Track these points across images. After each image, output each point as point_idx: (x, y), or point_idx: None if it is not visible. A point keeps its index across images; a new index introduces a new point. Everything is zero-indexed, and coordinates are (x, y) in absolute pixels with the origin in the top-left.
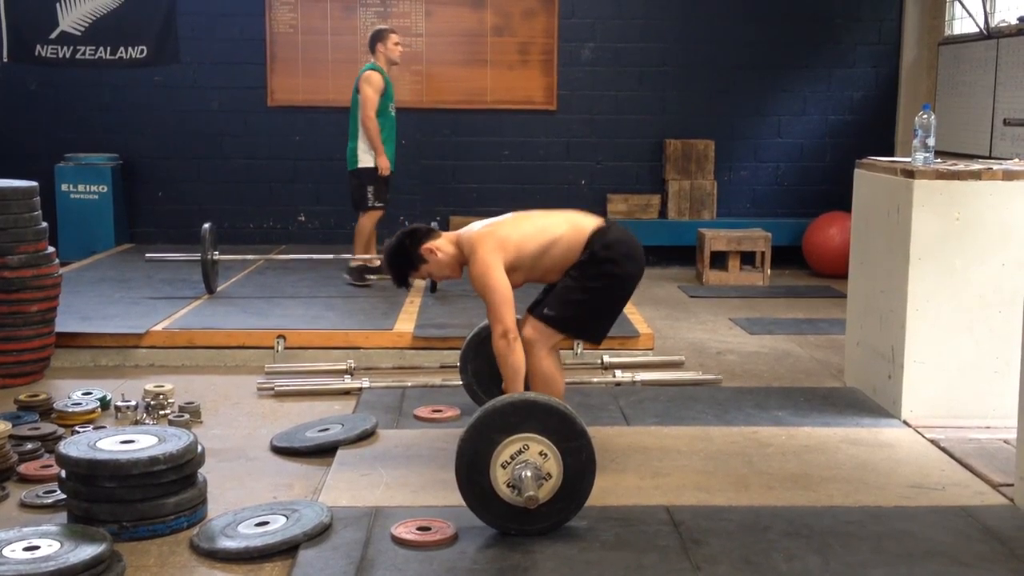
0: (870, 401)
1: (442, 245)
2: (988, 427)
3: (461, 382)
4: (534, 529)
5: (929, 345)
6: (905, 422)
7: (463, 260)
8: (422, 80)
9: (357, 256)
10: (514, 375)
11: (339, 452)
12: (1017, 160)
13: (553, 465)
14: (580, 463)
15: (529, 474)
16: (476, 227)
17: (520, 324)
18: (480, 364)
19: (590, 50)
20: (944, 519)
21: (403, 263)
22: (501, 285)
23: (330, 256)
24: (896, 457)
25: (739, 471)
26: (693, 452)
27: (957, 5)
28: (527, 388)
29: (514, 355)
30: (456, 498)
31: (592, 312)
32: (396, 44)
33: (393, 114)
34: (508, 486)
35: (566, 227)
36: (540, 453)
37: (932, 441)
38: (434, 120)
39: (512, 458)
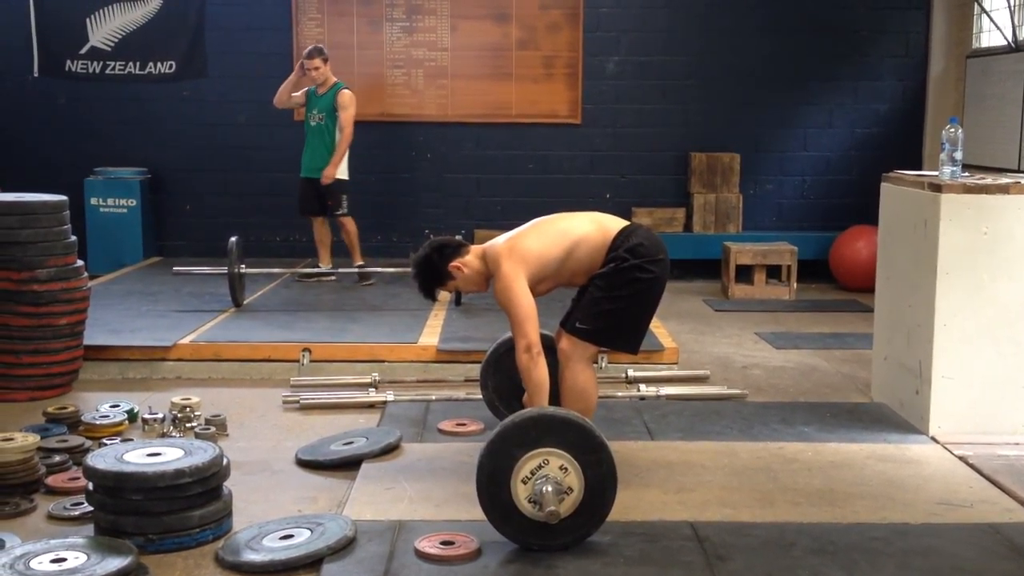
0: (897, 417)
1: (469, 261)
2: (1017, 443)
3: (482, 397)
4: (556, 544)
5: (957, 360)
6: (933, 438)
7: (489, 274)
8: (447, 94)
9: (357, 261)
10: (537, 390)
11: (363, 465)
12: None
13: (574, 479)
14: (601, 477)
15: (550, 489)
16: (501, 240)
17: (555, 339)
18: (501, 379)
19: (615, 63)
20: (972, 536)
21: (431, 278)
22: (524, 300)
23: (356, 269)
24: (923, 473)
25: (764, 487)
26: (718, 467)
27: (985, 18)
28: (559, 403)
29: (538, 370)
30: (479, 512)
31: (625, 320)
32: (308, 71)
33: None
34: (529, 501)
35: (590, 227)
36: (560, 467)
37: (960, 457)
38: (459, 133)
39: (532, 473)
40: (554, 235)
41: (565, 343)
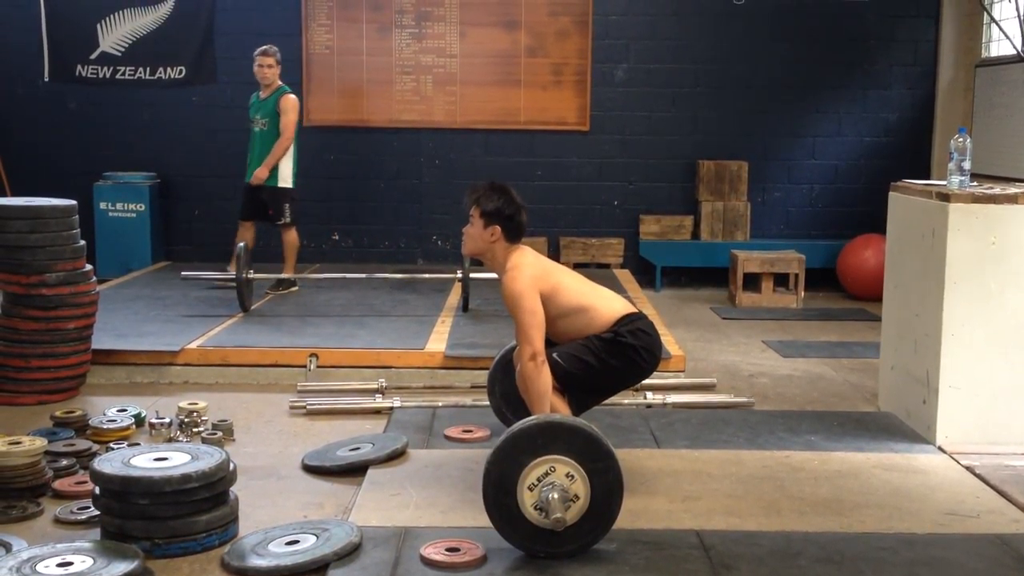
0: (904, 426)
1: (501, 239)
2: None
3: (489, 404)
4: (562, 551)
5: (964, 370)
6: (940, 448)
7: (498, 264)
8: (456, 100)
9: (288, 272)
10: (539, 398)
11: (370, 471)
12: None
13: (580, 487)
14: (607, 484)
15: (556, 496)
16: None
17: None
18: (508, 386)
19: (623, 71)
20: (979, 547)
21: (487, 204)
22: (535, 309)
23: (363, 275)
24: (930, 483)
25: (771, 496)
26: (724, 476)
27: (994, 27)
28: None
29: (542, 378)
30: (485, 519)
31: (595, 382)
32: (258, 67)
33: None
34: (535, 508)
35: (601, 303)
36: (567, 475)
37: (967, 467)
38: (467, 140)
39: (539, 480)
40: (574, 285)
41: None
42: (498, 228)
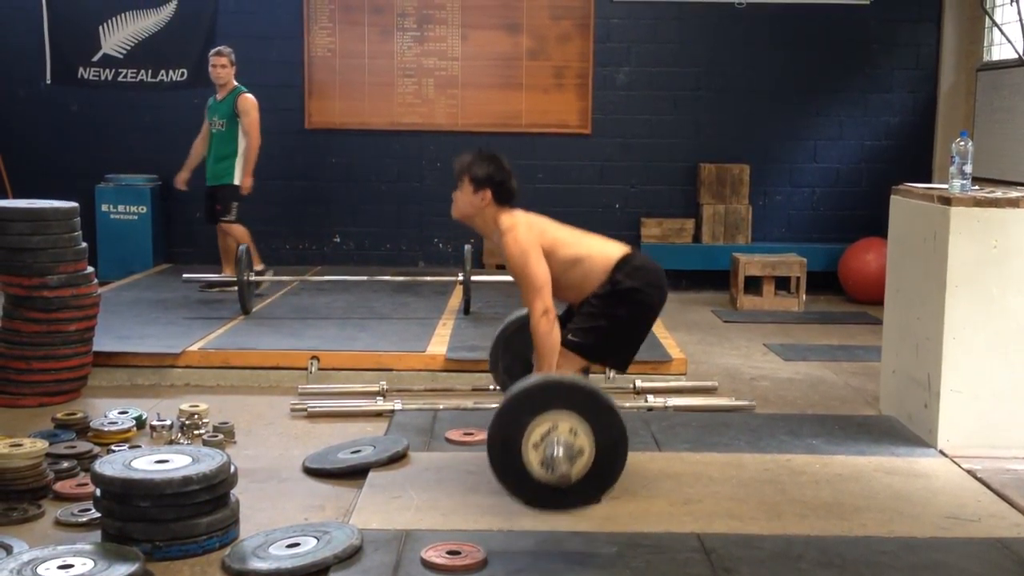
0: (906, 430)
1: (491, 203)
2: None
3: (493, 382)
4: (572, 503)
5: (966, 374)
6: (941, 451)
7: (489, 227)
8: (457, 103)
9: (225, 271)
10: (550, 354)
11: (370, 474)
12: None
13: (584, 441)
14: (611, 438)
15: (561, 452)
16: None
17: None
18: (510, 360)
19: (625, 74)
20: (980, 551)
21: (477, 170)
22: (541, 266)
23: (365, 278)
24: (932, 487)
25: (772, 499)
26: (725, 479)
27: (996, 31)
28: None
29: (554, 335)
30: (487, 522)
31: (617, 339)
32: (212, 66)
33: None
34: (541, 465)
35: (594, 250)
36: (570, 430)
37: (968, 471)
38: (469, 143)
39: (543, 438)
40: (568, 238)
41: (560, 360)
42: (488, 192)
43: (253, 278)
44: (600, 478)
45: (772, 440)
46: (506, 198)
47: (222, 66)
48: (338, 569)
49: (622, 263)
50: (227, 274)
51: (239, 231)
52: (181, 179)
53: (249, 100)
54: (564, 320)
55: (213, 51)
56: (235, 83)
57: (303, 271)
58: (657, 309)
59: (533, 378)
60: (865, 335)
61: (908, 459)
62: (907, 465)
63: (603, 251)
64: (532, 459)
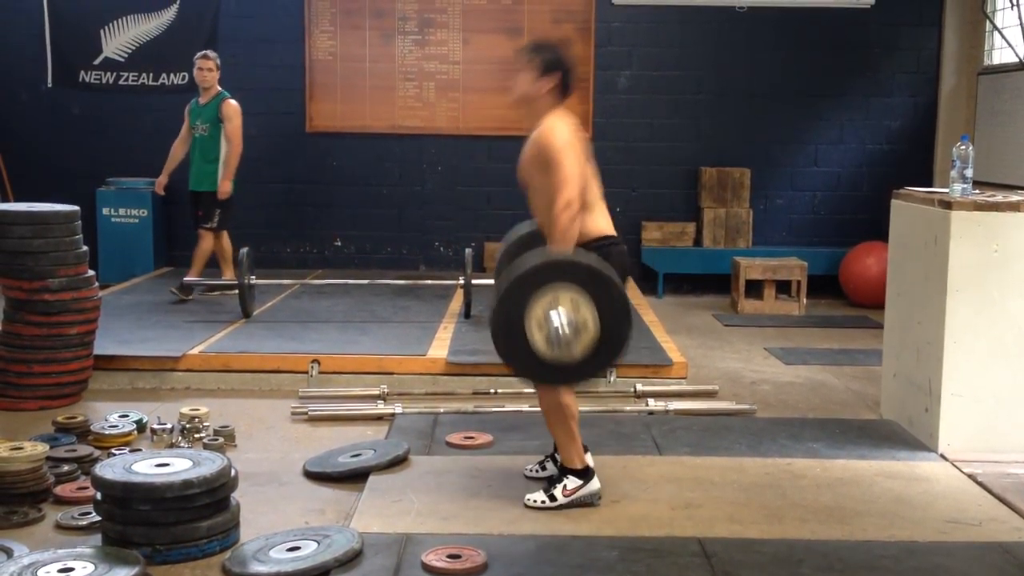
0: (906, 434)
1: (555, 91)
2: None
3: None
4: (581, 377)
5: (967, 378)
6: (942, 455)
7: (537, 117)
8: (459, 107)
9: (192, 275)
10: (566, 242)
11: (371, 478)
12: None
13: (587, 314)
14: (614, 309)
15: (565, 326)
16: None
17: None
18: None
19: (626, 78)
20: (981, 555)
21: (552, 56)
22: (577, 165)
23: (366, 281)
24: (933, 491)
25: (773, 503)
26: (726, 483)
27: (996, 35)
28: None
29: (573, 227)
30: (487, 526)
31: None
32: (198, 69)
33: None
34: (547, 342)
35: (597, 209)
36: (572, 302)
37: (969, 475)
38: (470, 146)
39: (545, 315)
40: (596, 184)
41: None
42: (556, 78)
43: (218, 291)
44: (607, 350)
45: (773, 444)
46: (566, 90)
47: (208, 69)
48: (338, 573)
49: (606, 240)
50: (227, 277)
51: (207, 243)
52: (161, 183)
53: (233, 106)
54: None
55: (199, 54)
56: (219, 88)
57: (304, 274)
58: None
59: (530, 258)
60: (866, 339)
61: (909, 463)
62: (908, 469)
63: (602, 215)
64: (537, 337)
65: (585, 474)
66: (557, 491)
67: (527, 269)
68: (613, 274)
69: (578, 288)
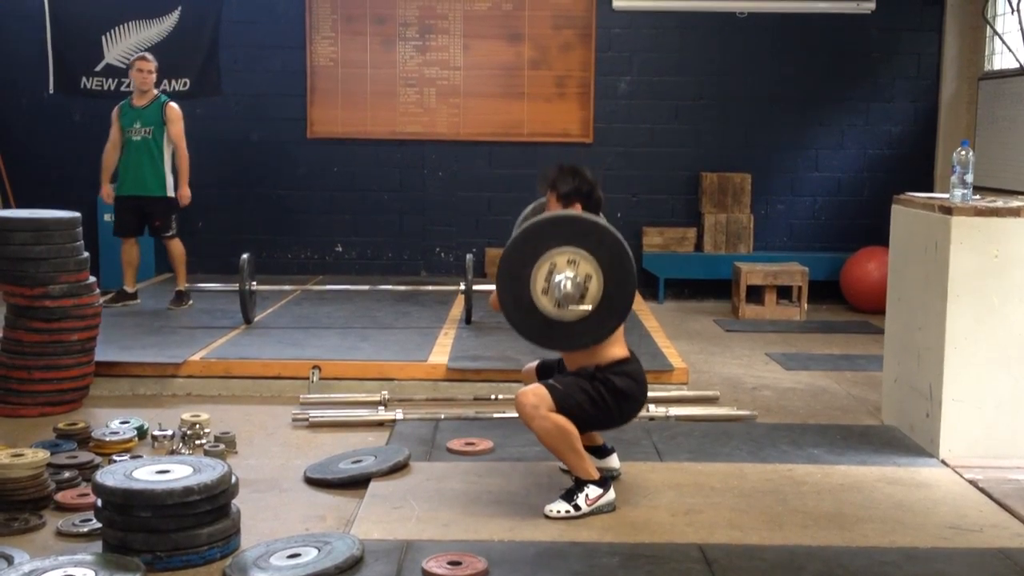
0: (907, 439)
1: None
2: None
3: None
4: (581, 340)
5: (967, 383)
6: (943, 461)
7: None
8: (459, 112)
9: (181, 284)
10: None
11: (372, 484)
12: None
13: (588, 267)
14: (611, 256)
15: (569, 285)
16: None
17: (526, 376)
18: None
19: (627, 83)
20: (982, 561)
21: (568, 188)
22: None
23: (367, 287)
24: (934, 497)
25: (774, 509)
26: (727, 489)
27: (997, 40)
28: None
29: None
30: (488, 532)
31: (585, 414)
32: (138, 71)
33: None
34: (558, 306)
35: (615, 336)
36: (569, 262)
37: (970, 481)
38: (471, 152)
39: (548, 280)
40: None
41: (532, 396)
42: (579, 205)
43: (176, 303)
44: (607, 312)
45: (774, 450)
46: (595, 207)
47: (149, 71)
48: None
49: (623, 360)
50: (180, 285)
51: (178, 248)
52: (106, 193)
53: (177, 109)
54: (553, 368)
55: (139, 55)
56: (155, 90)
57: (305, 280)
58: (628, 418)
59: (515, 234)
60: (867, 344)
61: (910, 469)
62: (909, 475)
63: (617, 340)
64: (546, 304)
65: (604, 483)
66: (580, 500)
67: (535, 224)
68: (616, 233)
69: (581, 248)
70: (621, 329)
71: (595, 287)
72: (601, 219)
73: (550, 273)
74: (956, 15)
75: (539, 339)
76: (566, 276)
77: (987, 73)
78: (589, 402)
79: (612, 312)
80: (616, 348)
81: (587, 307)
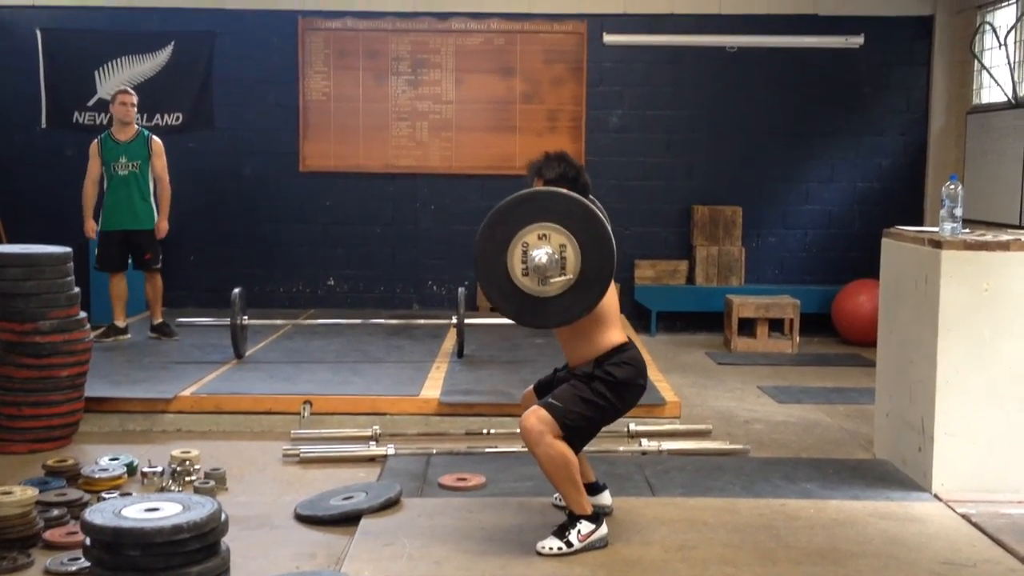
0: (900, 474)
1: None
2: (1021, 501)
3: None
4: (558, 317)
5: (960, 417)
6: (936, 496)
7: None
8: (452, 146)
9: (159, 317)
10: None
11: (363, 521)
12: None
13: (561, 238)
14: (590, 233)
15: (544, 260)
16: None
17: (524, 403)
18: None
19: (618, 117)
20: None
21: (554, 174)
22: None
23: (359, 321)
24: (927, 532)
25: (766, 545)
26: (720, 524)
27: (985, 74)
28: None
29: None
30: (480, 569)
31: (589, 421)
32: (122, 104)
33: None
34: (539, 284)
35: (613, 321)
36: (540, 236)
37: (963, 516)
38: (463, 185)
39: (524, 259)
40: (612, 296)
41: (535, 420)
42: (567, 186)
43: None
44: (591, 282)
45: (767, 484)
46: (582, 192)
47: (132, 104)
48: None
49: (620, 346)
50: (156, 320)
51: (160, 281)
52: (90, 228)
53: (160, 143)
54: (551, 383)
55: (121, 88)
56: (136, 124)
57: (296, 314)
58: (631, 405)
59: (483, 225)
60: (859, 377)
61: (903, 503)
62: (902, 510)
63: (614, 325)
64: (529, 283)
65: (597, 519)
66: (572, 536)
67: (499, 210)
68: (593, 210)
69: (546, 221)
70: (617, 312)
71: (572, 255)
72: (562, 190)
73: (524, 253)
74: (944, 49)
75: (533, 320)
76: (541, 251)
77: (975, 107)
78: (590, 408)
79: (596, 276)
80: (614, 333)
81: (568, 276)
